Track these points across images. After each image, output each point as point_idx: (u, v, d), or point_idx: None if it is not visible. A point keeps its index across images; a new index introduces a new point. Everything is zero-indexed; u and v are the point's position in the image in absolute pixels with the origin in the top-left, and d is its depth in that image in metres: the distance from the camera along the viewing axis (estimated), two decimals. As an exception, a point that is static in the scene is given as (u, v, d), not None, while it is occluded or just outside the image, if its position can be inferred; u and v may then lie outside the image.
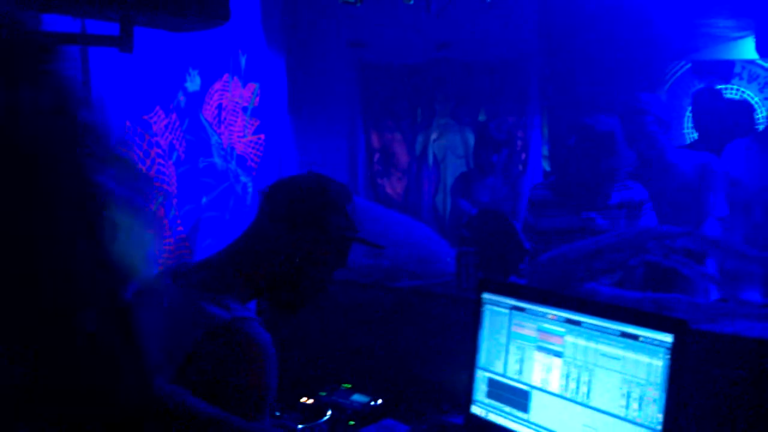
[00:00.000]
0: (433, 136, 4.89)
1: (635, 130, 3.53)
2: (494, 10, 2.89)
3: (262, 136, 3.07)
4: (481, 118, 4.81)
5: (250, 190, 2.95)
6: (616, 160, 3.11)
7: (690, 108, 4.99)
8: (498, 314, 1.92)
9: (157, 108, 2.34)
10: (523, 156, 4.74)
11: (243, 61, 2.95)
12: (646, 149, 3.55)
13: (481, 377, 1.95)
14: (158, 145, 2.33)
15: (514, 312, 1.88)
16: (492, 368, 1.92)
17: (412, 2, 2.13)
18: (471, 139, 4.72)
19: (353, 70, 4.67)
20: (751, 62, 6.12)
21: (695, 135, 4.71)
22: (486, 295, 1.96)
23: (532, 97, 4.81)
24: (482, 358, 1.94)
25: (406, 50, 4.66)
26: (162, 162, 2.35)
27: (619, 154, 3.14)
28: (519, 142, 4.75)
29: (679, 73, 6.09)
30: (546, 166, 4.92)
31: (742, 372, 1.83)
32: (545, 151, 4.94)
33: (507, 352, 1.88)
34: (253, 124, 3.01)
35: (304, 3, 3.88)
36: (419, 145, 4.91)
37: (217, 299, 1.50)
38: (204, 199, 2.58)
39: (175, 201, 2.41)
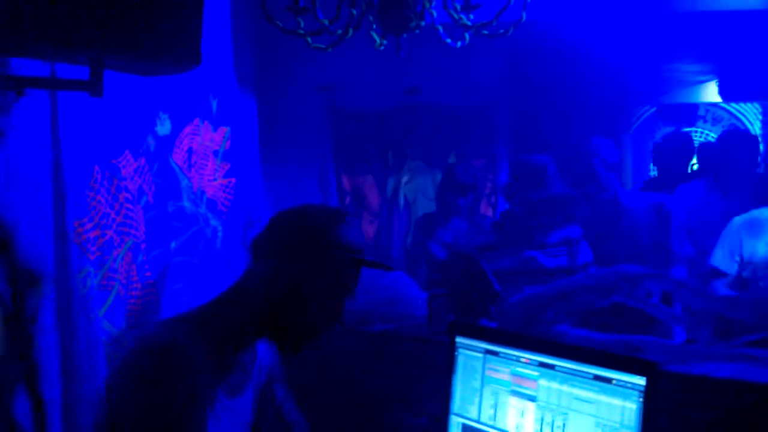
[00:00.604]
0: (405, 178, 4.91)
1: (583, 172, 3.57)
2: (464, 55, 2.93)
3: (233, 180, 3.06)
4: (452, 160, 4.85)
5: (220, 234, 2.92)
6: (548, 197, 3.14)
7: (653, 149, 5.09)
8: (472, 358, 1.91)
9: (127, 152, 2.32)
10: (493, 199, 4.78)
11: (214, 104, 2.95)
12: (597, 191, 3.59)
13: (455, 423, 1.92)
14: (127, 189, 2.30)
15: (488, 356, 1.87)
16: (466, 414, 1.90)
17: (382, 48, 2.15)
18: (442, 181, 4.75)
19: (324, 114, 4.69)
20: (715, 105, 6.29)
21: (655, 173, 4.80)
22: (460, 339, 1.95)
23: (501, 141, 4.88)
24: (456, 403, 1.93)
25: (377, 94, 4.71)
26: (130, 206, 2.32)
27: (551, 190, 3.17)
28: (489, 185, 4.79)
29: (644, 117, 6.23)
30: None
31: (715, 413, 1.83)
32: (514, 193, 4.98)
33: (481, 396, 1.87)
34: (223, 168, 3.00)
35: (276, 47, 3.91)
36: (390, 188, 4.93)
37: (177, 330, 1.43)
38: (173, 244, 2.55)
39: (143, 246, 2.37)
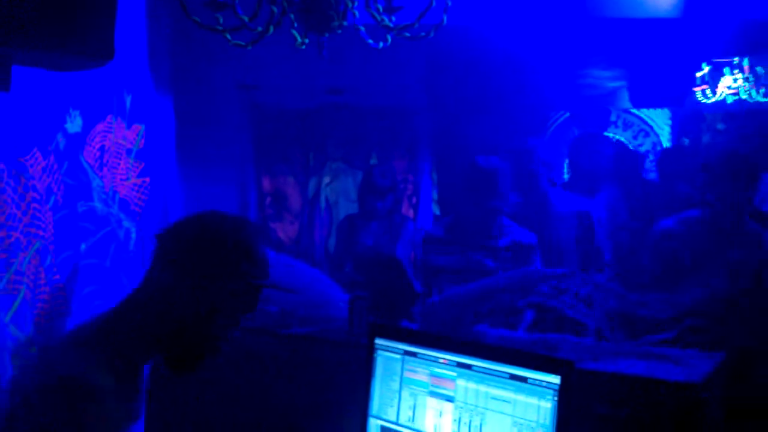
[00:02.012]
0: (326, 179, 4.89)
1: (521, 170, 3.66)
2: (385, 57, 2.93)
3: (147, 180, 2.97)
4: (373, 162, 4.86)
5: (133, 235, 2.83)
6: (499, 200, 3.20)
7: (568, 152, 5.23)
8: (391, 360, 1.91)
9: (35, 150, 2.22)
10: (414, 200, 4.81)
11: (128, 101, 2.86)
12: (530, 190, 3.67)
13: (374, 425, 1.92)
14: (35, 189, 2.20)
15: (407, 357, 1.88)
16: (384, 416, 1.90)
17: (304, 47, 2.12)
18: (363, 183, 4.75)
19: (244, 113, 4.63)
20: (626, 111, 6.51)
21: (568, 177, 4.94)
22: (378, 341, 1.95)
23: (422, 142, 4.92)
24: (375, 405, 1.92)
25: (299, 94, 4.67)
26: (38, 207, 2.22)
27: (502, 195, 3.22)
28: (410, 186, 4.83)
29: (559, 121, 6.40)
30: (436, 210, 5.01)
31: (625, 410, 1.89)
32: (435, 195, 5.03)
33: (400, 398, 1.87)
34: (137, 167, 2.91)
35: (194, 44, 3.83)
36: (312, 189, 4.90)
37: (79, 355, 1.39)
38: (83, 246, 2.46)
39: (51, 248, 2.27)
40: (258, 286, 1.55)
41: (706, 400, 1.85)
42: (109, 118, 2.67)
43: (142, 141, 2.95)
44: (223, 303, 1.50)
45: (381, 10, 2.12)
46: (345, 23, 2.10)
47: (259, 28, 2.09)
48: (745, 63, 5.29)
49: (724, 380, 2.01)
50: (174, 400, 2.35)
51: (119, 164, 2.76)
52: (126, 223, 2.78)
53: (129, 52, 2.85)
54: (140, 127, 2.94)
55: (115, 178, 2.72)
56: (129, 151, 2.85)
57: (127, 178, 2.82)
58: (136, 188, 2.88)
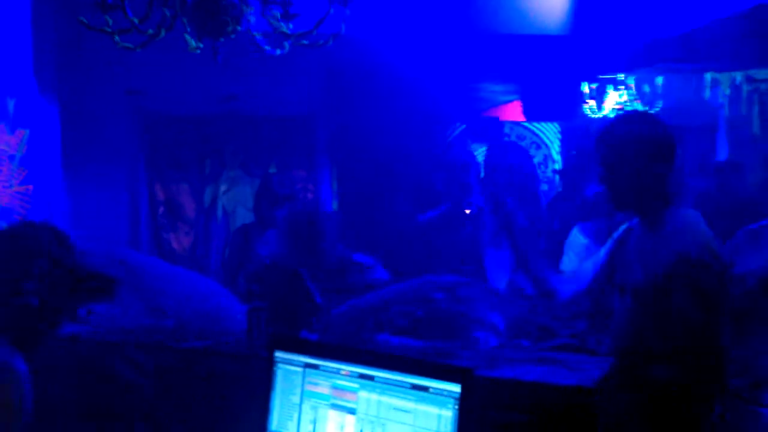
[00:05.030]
0: (223, 188, 4.79)
1: (453, 181, 3.71)
2: (284, 65, 2.90)
3: (31, 187, 2.82)
4: (273, 170, 4.80)
5: (15, 246, 2.67)
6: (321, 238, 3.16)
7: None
8: (291, 373, 1.87)
9: None
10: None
11: (11, 105, 2.71)
12: (460, 202, 3.73)
13: (274, 440, 1.87)
14: None
15: (308, 370, 1.84)
16: (284, 431, 1.85)
17: (198, 51, 2.06)
18: (262, 192, 4.67)
19: (134, 120, 4.48)
20: (519, 124, 6.73)
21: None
22: (278, 354, 1.90)
23: (321, 152, 4.90)
24: (274, 420, 1.87)
25: (192, 100, 4.56)
26: None
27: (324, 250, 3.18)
28: (310, 195, 4.79)
29: (455, 133, 6.53)
30: (336, 219, 5.00)
31: (523, 415, 1.92)
32: (335, 204, 5.02)
33: (300, 412, 1.83)
34: (20, 174, 2.76)
35: (82, 48, 3.67)
36: (208, 197, 4.79)
37: None
38: (-41, 258, 2.29)
39: None
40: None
41: (598, 404, 1.91)
42: (-12, 122, 2.52)
43: (26, 147, 2.81)
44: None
45: (278, 16, 2.09)
46: (239, 28, 2.06)
47: (150, 31, 2.02)
48: (631, 81, 5.56)
49: (616, 384, 2.08)
50: (64, 415, 2.23)
51: (1, 171, 2.62)
52: (6, 234, 2.62)
53: (12, 55, 2.73)
54: (24, 132, 2.80)
55: (-6, 186, 2.56)
56: (12, 157, 2.70)
57: (10, 186, 2.68)
58: (19, 196, 2.73)
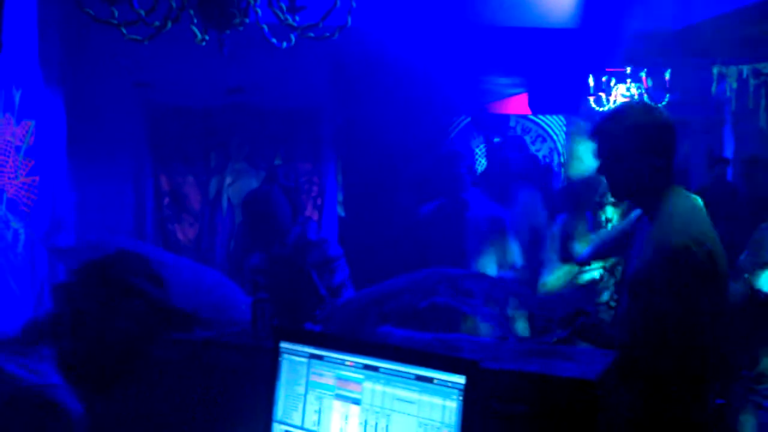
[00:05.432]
0: (228, 180, 4.79)
1: (446, 173, 3.71)
2: (289, 57, 2.90)
3: (37, 178, 2.83)
4: (278, 162, 4.80)
5: (22, 236, 2.69)
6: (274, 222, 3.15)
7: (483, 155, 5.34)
8: (296, 363, 1.88)
9: None
10: (319, 202, 4.78)
11: (17, 97, 2.72)
12: (452, 193, 3.72)
13: (279, 431, 1.88)
14: None
15: (313, 360, 1.85)
16: (289, 421, 1.87)
17: (204, 43, 2.06)
18: (267, 183, 4.69)
19: (140, 111, 4.48)
20: (524, 117, 6.72)
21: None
22: (284, 344, 1.91)
23: (326, 144, 4.90)
24: (279, 410, 1.89)
25: (199, 92, 4.57)
26: None
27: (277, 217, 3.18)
28: (315, 188, 4.80)
29: (460, 126, 6.52)
30: (341, 212, 5.00)
31: (526, 407, 1.93)
32: (340, 197, 5.02)
33: (305, 402, 1.84)
34: (26, 165, 2.76)
35: (88, 39, 3.68)
36: (213, 189, 4.79)
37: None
38: (-34, 248, 2.31)
39: (-71, 250, 2.12)
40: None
41: (600, 396, 1.91)
42: (-5, 113, 2.53)
43: (32, 138, 2.81)
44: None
45: (284, 9, 2.09)
46: (247, 20, 2.06)
47: (157, 23, 2.02)
48: (643, 74, 5.53)
49: (618, 377, 2.08)
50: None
51: (7, 162, 2.62)
52: (14, 224, 2.64)
53: (18, 46, 2.73)
54: (30, 124, 2.80)
55: (2, 177, 2.58)
56: (18, 149, 2.71)
57: (16, 177, 2.68)
58: (24, 187, 2.74)
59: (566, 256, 2.59)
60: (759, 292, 3.34)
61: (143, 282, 1.74)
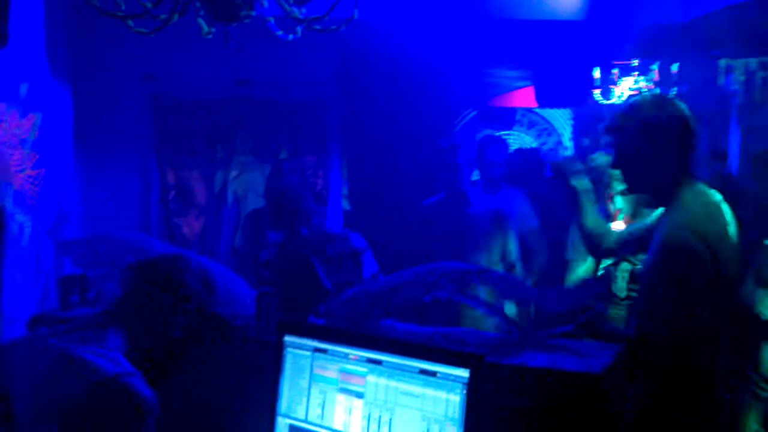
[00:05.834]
0: (233, 173, 4.80)
1: (444, 164, 3.70)
2: (295, 50, 2.89)
3: (43, 171, 2.84)
4: (283, 156, 4.80)
5: (27, 229, 2.70)
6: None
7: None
8: (300, 357, 1.88)
9: None
10: (324, 195, 4.78)
11: (23, 89, 2.72)
12: (452, 186, 3.72)
13: (282, 424, 1.89)
14: None
15: (317, 354, 1.85)
16: (293, 414, 1.87)
17: (210, 36, 2.07)
18: (272, 177, 4.68)
19: (147, 104, 4.48)
20: (530, 110, 6.70)
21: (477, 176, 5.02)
22: (288, 338, 1.92)
23: (332, 137, 4.89)
24: (283, 404, 1.89)
25: (204, 85, 4.57)
26: None
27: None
28: (320, 182, 4.79)
29: (466, 119, 6.51)
30: (346, 205, 5.00)
31: (531, 401, 1.93)
32: (345, 191, 5.02)
33: (309, 396, 1.84)
34: (32, 158, 2.77)
35: (95, 32, 3.68)
36: (218, 183, 4.80)
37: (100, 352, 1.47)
38: (-28, 241, 2.32)
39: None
40: None
41: (606, 390, 1.91)
42: (2, 106, 2.54)
43: (38, 131, 2.82)
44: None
45: (290, 1, 2.09)
46: (253, 13, 2.06)
47: (163, 16, 2.02)
48: (655, 66, 5.50)
49: (624, 370, 2.08)
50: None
51: (13, 155, 2.63)
52: (20, 217, 2.65)
53: (25, 39, 2.73)
54: (36, 117, 2.81)
55: (8, 170, 2.58)
56: (24, 142, 2.71)
57: (22, 170, 2.69)
58: (30, 180, 2.75)
59: (592, 250, 2.58)
60: (757, 316, 3.22)
61: (198, 286, 1.93)
